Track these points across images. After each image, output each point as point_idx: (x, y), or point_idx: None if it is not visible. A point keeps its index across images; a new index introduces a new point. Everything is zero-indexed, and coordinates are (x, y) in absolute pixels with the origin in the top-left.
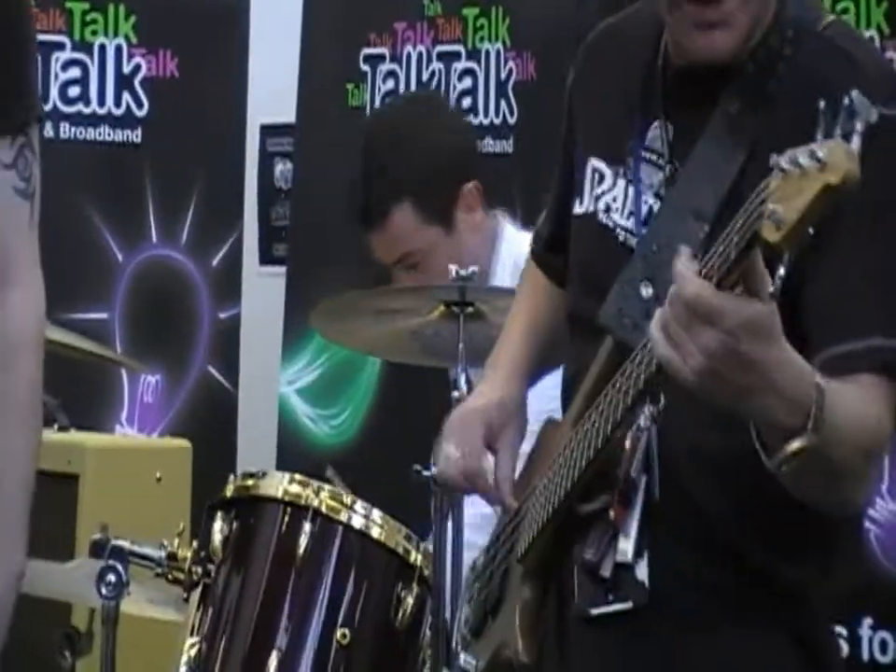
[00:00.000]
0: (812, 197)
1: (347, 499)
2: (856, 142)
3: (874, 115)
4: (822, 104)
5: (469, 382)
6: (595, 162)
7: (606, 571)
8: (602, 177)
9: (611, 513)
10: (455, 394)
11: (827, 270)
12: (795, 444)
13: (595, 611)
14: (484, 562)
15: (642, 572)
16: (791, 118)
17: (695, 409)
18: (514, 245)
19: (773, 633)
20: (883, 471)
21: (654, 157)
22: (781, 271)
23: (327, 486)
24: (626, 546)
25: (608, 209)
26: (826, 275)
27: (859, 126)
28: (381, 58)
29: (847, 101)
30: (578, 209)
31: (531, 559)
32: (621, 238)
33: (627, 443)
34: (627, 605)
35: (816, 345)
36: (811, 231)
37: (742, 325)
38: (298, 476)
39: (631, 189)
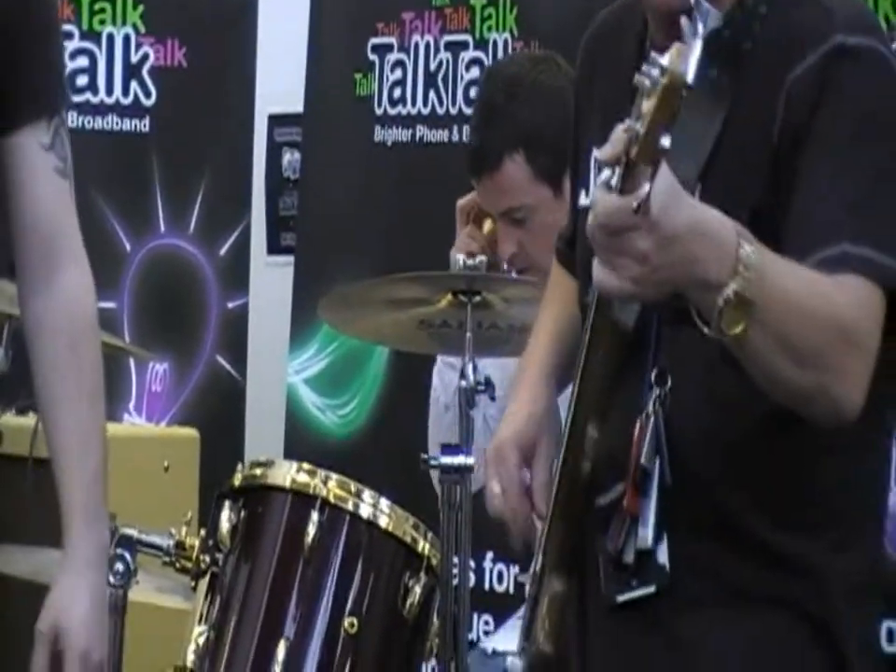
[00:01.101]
0: (654, 105)
1: (354, 488)
2: (691, 43)
3: (714, 18)
4: (683, 18)
5: (476, 371)
6: (596, 153)
7: (629, 558)
8: (602, 167)
9: (625, 503)
10: (463, 383)
11: (802, 185)
12: (728, 290)
13: (620, 598)
14: (533, 564)
15: (663, 556)
16: (765, 73)
17: (703, 391)
18: None
19: (788, 614)
20: (893, 458)
21: None
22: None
23: (334, 475)
24: (646, 532)
25: None
26: (800, 190)
27: (700, 28)
28: (389, 47)
29: (693, 2)
30: (583, 201)
31: (553, 551)
32: None
33: (636, 430)
34: (651, 589)
35: (792, 255)
36: (665, 135)
37: (654, 205)
38: (305, 465)
39: None
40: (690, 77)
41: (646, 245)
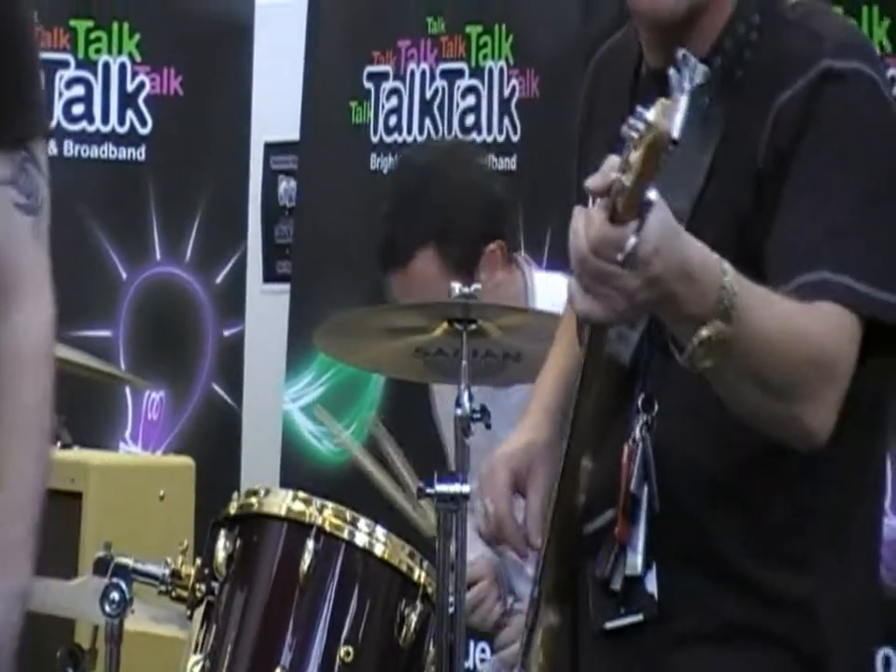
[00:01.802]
0: (639, 160)
1: (350, 517)
2: (677, 98)
3: (701, 74)
4: (671, 70)
5: (471, 399)
6: (587, 182)
7: (616, 585)
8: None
9: (616, 531)
10: (459, 411)
11: (785, 209)
12: (704, 331)
13: (609, 625)
14: (530, 593)
15: (651, 584)
16: (755, 99)
17: (689, 417)
18: (552, 288)
19: (778, 650)
20: (886, 487)
21: None
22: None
23: (330, 504)
24: (635, 559)
25: None
26: (783, 214)
27: (686, 84)
28: (384, 76)
29: (679, 57)
30: None
31: (548, 583)
32: None
33: (624, 456)
34: (638, 617)
35: (774, 279)
36: (650, 189)
37: (645, 247)
38: (301, 493)
39: None
40: (675, 134)
41: (633, 284)
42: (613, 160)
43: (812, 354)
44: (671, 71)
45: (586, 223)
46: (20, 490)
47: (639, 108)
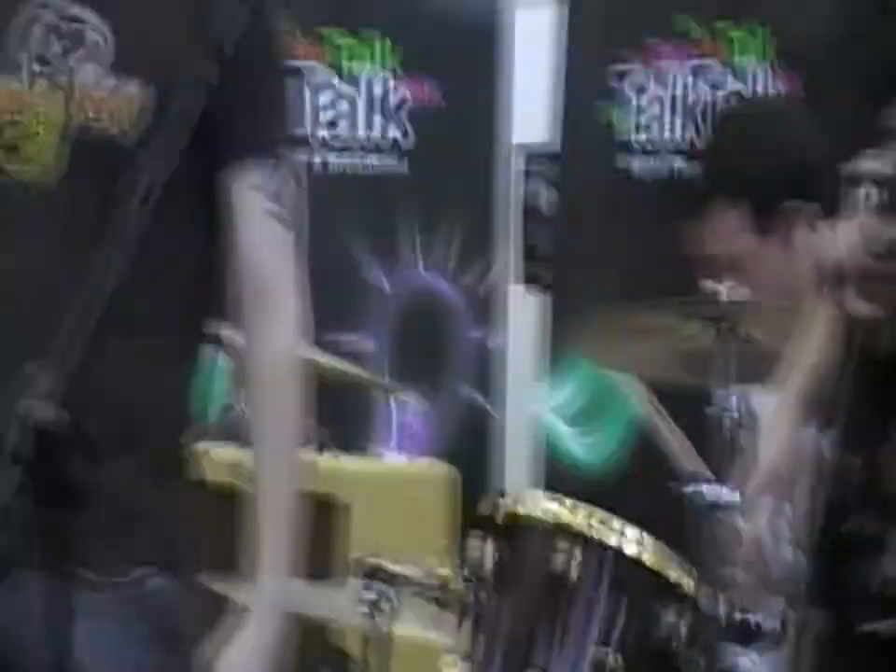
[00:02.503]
0: None
1: (617, 523)
2: None
3: None
4: None
5: (738, 401)
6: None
7: (876, 586)
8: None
9: (876, 530)
10: (714, 410)
11: None
12: None
13: (868, 628)
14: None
15: None
16: None
17: None
18: None
19: None
20: None
21: None
22: None
23: (595, 509)
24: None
25: None
26: None
27: None
28: (635, 76)
29: None
30: None
31: (809, 584)
32: None
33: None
34: None
35: None
36: None
37: None
38: (563, 499)
39: None
40: None
41: None
42: None
43: None
44: None
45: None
46: (277, 498)
47: None
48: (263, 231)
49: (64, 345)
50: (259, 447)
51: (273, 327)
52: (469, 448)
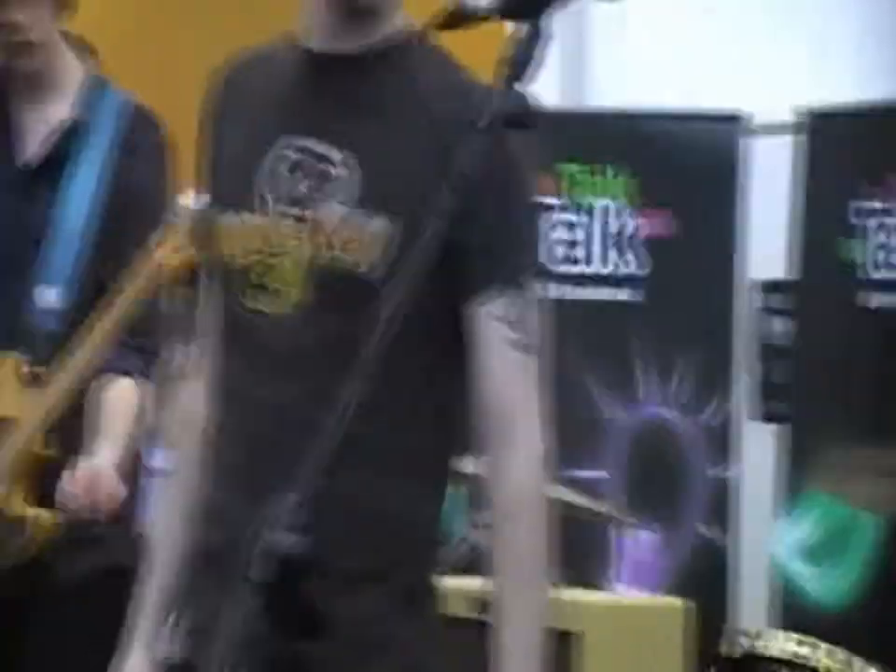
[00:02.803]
0: None
1: (857, 665)
2: None
3: None
4: None
5: None
6: None
7: None
8: None
9: None
10: None
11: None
12: None
13: None
14: None
15: None
16: None
17: None
18: None
19: None
20: None
21: None
22: None
23: (837, 650)
24: None
25: None
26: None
27: None
28: (873, 211)
29: None
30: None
31: None
32: None
33: None
34: None
35: None
36: None
37: None
38: (802, 637)
39: None
40: None
41: None
42: None
43: None
44: None
45: None
46: (523, 632)
47: None
48: (506, 362)
49: (314, 477)
50: (505, 579)
51: (517, 458)
52: (705, 583)
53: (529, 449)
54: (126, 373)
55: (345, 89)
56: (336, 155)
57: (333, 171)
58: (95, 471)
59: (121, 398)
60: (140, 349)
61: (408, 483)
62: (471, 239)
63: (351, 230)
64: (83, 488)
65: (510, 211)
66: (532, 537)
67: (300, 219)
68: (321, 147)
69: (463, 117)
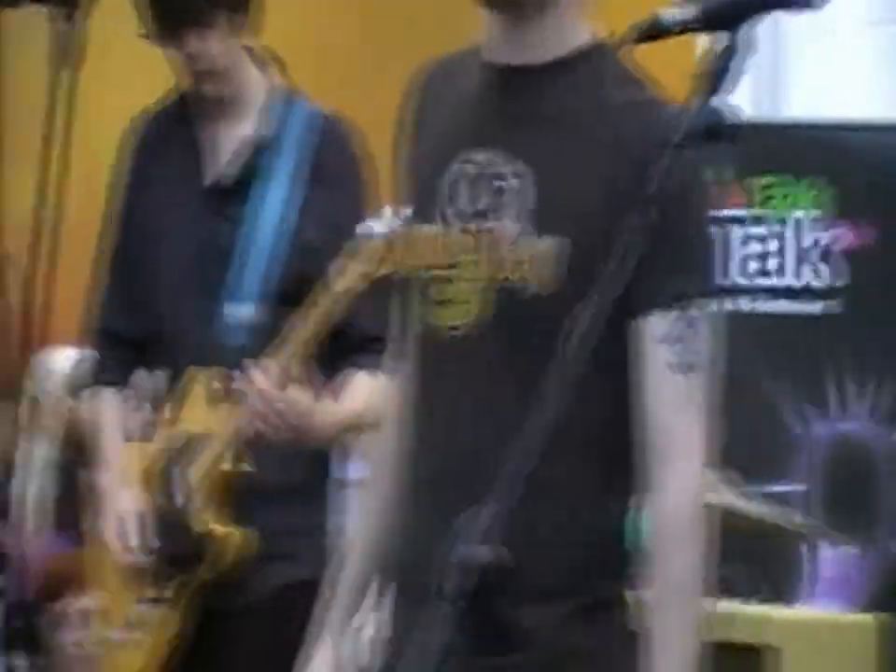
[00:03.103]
0: None
1: None
2: None
3: None
4: None
5: None
6: None
7: None
8: None
9: None
10: None
11: None
12: None
13: None
14: None
15: None
16: None
17: None
18: None
19: None
20: None
21: None
22: None
23: None
24: None
25: None
26: None
27: None
28: None
29: None
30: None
31: None
32: None
33: None
34: None
35: None
36: None
37: None
38: None
39: None
40: None
41: None
42: None
43: None
44: None
45: None
46: (675, 648)
47: None
48: (667, 385)
49: (508, 492)
50: (660, 594)
51: (676, 480)
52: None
53: (688, 477)
54: (361, 368)
55: (527, 102)
56: (513, 168)
57: (508, 184)
58: (305, 402)
59: (358, 386)
60: (371, 347)
61: (596, 497)
62: (642, 258)
63: (524, 247)
64: (279, 407)
65: (684, 232)
66: (688, 554)
67: (476, 234)
68: (499, 161)
69: (651, 133)
